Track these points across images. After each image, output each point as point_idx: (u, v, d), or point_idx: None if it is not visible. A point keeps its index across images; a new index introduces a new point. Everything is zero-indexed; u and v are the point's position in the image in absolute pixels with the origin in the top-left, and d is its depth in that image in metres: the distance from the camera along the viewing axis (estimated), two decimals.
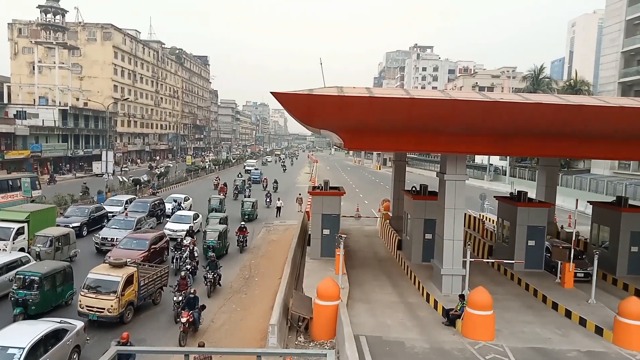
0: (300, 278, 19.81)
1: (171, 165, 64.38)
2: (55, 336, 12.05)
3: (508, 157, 60.59)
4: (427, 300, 16.98)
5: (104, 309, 14.95)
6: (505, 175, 63.85)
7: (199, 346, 11.73)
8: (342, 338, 12.57)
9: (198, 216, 30.32)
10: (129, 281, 15.77)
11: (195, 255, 21.00)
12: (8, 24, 75.91)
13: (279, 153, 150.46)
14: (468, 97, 14.98)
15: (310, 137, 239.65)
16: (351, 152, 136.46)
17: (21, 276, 15.64)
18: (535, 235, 20.25)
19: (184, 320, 14.47)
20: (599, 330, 14.39)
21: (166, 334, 15.18)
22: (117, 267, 16.06)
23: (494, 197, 24.98)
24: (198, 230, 28.43)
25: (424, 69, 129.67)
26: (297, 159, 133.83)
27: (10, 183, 32.55)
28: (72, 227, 24.36)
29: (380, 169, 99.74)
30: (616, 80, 49.03)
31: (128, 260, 17.41)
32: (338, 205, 22.37)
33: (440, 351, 13.05)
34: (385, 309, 16.08)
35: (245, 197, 40.53)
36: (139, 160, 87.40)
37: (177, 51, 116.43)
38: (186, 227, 27.01)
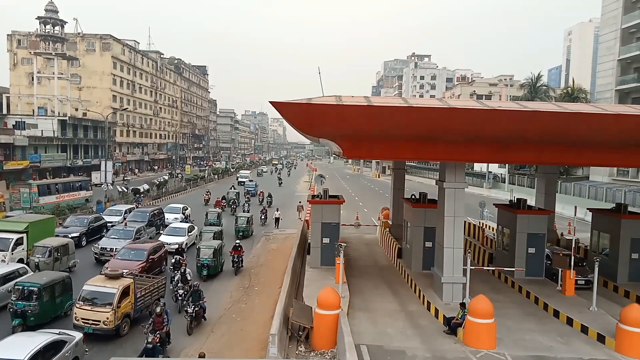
0: (301, 287, 19.72)
1: (167, 178, 60.48)
2: (54, 348, 11.93)
3: (507, 164, 60.68)
4: (428, 308, 16.91)
5: (99, 321, 14.77)
6: (505, 182, 63.91)
7: (200, 357, 11.66)
8: (343, 347, 12.50)
9: (193, 228, 29.35)
10: (125, 293, 15.62)
11: (188, 278, 18.58)
12: (7, 35, 76.33)
13: (276, 162, 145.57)
14: (466, 105, 15.04)
15: (309, 146, 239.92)
16: (350, 161, 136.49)
17: (20, 287, 15.55)
18: (536, 242, 20.22)
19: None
20: (600, 338, 14.33)
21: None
22: (113, 279, 15.90)
23: (494, 204, 24.98)
24: (194, 243, 27.46)
25: (422, 78, 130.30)
26: (295, 168, 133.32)
27: (78, 184, 42.91)
28: (71, 238, 24.27)
29: (379, 177, 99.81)
30: (613, 88, 49.30)
31: (124, 271, 17.28)
32: (338, 213, 22.34)
33: None
34: (386, 318, 16.00)
35: (243, 211, 37.54)
36: (136, 170, 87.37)
37: (176, 61, 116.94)
38: (180, 240, 26.53)
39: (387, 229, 28.14)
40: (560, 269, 18.74)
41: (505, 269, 20.24)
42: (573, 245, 19.83)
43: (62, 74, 66.48)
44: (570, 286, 18.25)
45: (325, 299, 14.23)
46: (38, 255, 20.56)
